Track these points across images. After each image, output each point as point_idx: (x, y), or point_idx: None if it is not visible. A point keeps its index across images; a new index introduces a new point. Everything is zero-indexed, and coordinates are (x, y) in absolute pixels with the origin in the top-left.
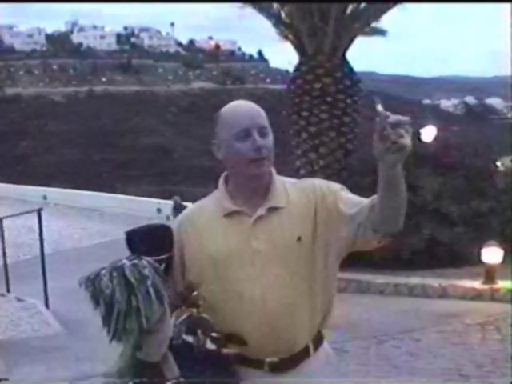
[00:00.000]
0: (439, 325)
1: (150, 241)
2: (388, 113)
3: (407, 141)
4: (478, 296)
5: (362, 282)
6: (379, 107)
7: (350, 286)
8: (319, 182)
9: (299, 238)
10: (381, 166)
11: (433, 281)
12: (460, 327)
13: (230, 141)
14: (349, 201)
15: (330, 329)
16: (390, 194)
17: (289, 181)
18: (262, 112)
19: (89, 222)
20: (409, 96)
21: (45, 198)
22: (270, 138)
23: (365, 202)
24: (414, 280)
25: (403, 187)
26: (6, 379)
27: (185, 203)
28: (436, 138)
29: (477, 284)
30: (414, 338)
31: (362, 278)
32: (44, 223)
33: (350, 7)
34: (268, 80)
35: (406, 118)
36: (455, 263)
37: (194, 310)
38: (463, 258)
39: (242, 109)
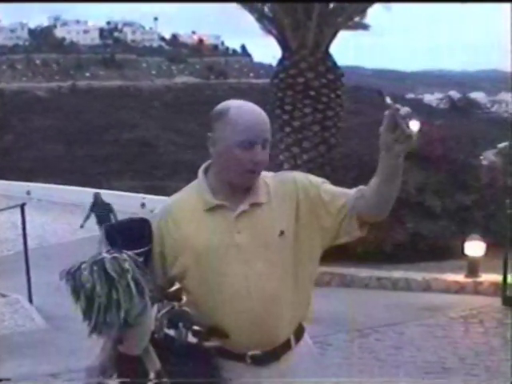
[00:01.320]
0: (422, 318)
1: (128, 234)
2: (398, 105)
3: (414, 130)
4: (461, 289)
5: (345, 275)
6: (388, 100)
7: (333, 279)
8: (300, 176)
9: (282, 233)
10: (385, 156)
11: (416, 274)
12: (443, 320)
13: (232, 145)
14: (333, 192)
15: (313, 322)
16: (389, 182)
17: (269, 175)
18: (268, 121)
19: (72, 218)
20: (392, 90)
21: (28, 193)
22: (268, 151)
23: (350, 192)
24: (398, 274)
25: (400, 176)
26: (9, 379)
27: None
28: (419, 132)
29: (460, 277)
30: (398, 332)
31: (345, 272)
32: (28, 218)
33: (333, 1)
34: (251, 74)
35: (409, 111)
36: (438, 257)
37: (176, 304)
38: (446, 252)
39: (252, 117)
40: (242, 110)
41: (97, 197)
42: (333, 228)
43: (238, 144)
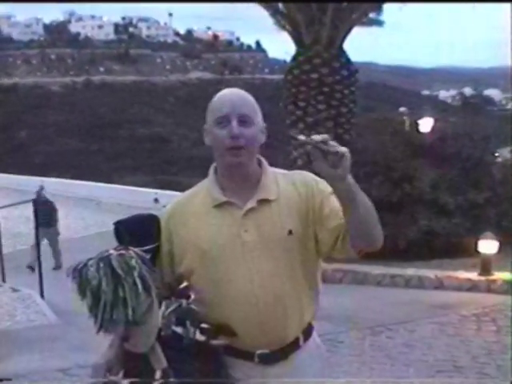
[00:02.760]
0: (435, 316)
1: (135, 231)
2: (312, 136)
3: (343, 147)
4: (473, 287)
5: (358, 273)
6: (301, 137)
7: (346, 277)
8: (311, 178)
9: (290, 232)
10: (334, 185)
11: (429, 272)
12: (456, 318)
13: (212, 127)
14: (334, 208)
15: (325, 319)
16: (353, 209)
17: (280, 172)
18: (249, 101)
19: (86, 213)
20: (408, 87)
21: (42, 188)
22: (253, 129)
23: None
24: (410, 271)
25: (365, 200)
26: (10, 379)
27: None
28: (433, 129)
29: (473, 275)
30: (410, 329)
31: (358, 269)
32: None
33: None
34: (266, 70)
35: (325, 135)
36: (451, 254)
37: (184, 301)
38: (459, 249)
39: (225, 96)
40: (220, 93)
41: (39, 193)
42: (328, 243)
43: (215, 123)
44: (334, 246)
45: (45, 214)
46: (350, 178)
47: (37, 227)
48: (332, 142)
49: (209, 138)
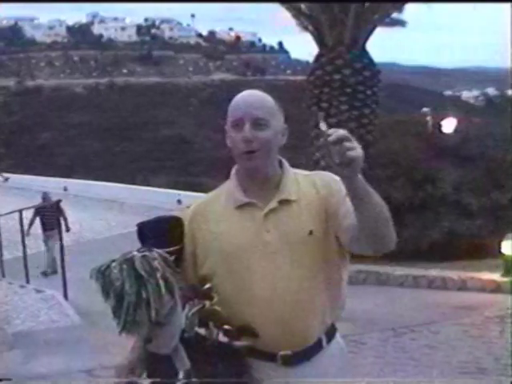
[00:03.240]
0: (458, 317)
1: (159, 232)
2: (330, 131)
3: (355, 153)
4: (497, 288)
5: (381, 274)
6: (322, 126)
7: (369, 277)
8: (330, 178)
9: (311, 232)
10: (343, 182)
11: (452, 273)
12: (479, 320)
13: (229, 129)
14: (350, 208)
15: (348, 321)
16: (362, 209)
17: (301, 173)
18: (265, 103)
19: (109, 214)
20: (430, 87)
21: (65, 189)
22: (268, 132)
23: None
24: (434, 272)
25: (375, 200)
26: (10, 379)
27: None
28: (456, 130)
29: (496, 276)
30: (433, 331)
31: (381, 270)
32: None
33: None
34: (288, 71)
35: (344, 133)
36: (475, 255)
37: (207, 303)
38: (483, 251)
39: (241, 98)
40: (238, 96)
41: (45, 198)
42: (344, 242)
43: (231, 126)
44: (350, 245)
45: (48, 218)
46: (358, 181)
47: (60, 230)
48: (347, 144)
49: (228, 140)
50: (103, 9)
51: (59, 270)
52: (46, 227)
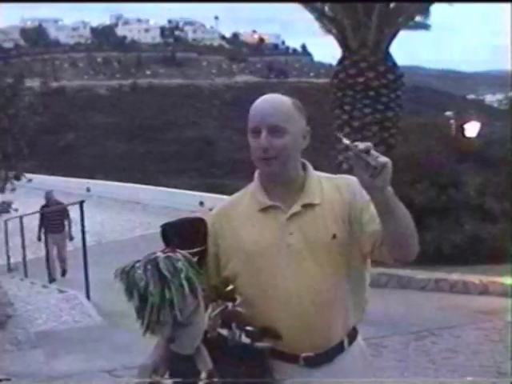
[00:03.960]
0: (479, 322)
1: (183, 234)
2: (356, 143)
3: (384, 158)
4: None
5: (402, 277)
6: (345, 141)
7: (390, 281)
8: (355, 183)
9: (334, 236)
10: (373, 194)
11: (474, 277)
12: (500, 324)
13: (249, 135)
14: (373, 214)
15: (369, 324)
16: (391, 221)
17: (325, 176)
18: (282, 109)
19: (131, 215)
20: (454, 91)
21: (88, 190)
22: (285, 138)
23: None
24: (455, 276)
25: (403, 212)
26: (9, 379)
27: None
28: (479, 134)
29: None
30: (454, 335)
31: (402, 274)
32: (87, 215)
33: (394, 1)
34: (312, 74)
35: (369, 143)
36: (497, 260)
37: (230, 304)
38: (505, 255)
39: (258, 105)
40: (257, 101)
41: (48, 198)
42: (366, 247)
43: (249, 132)
44: (371, 251)
45: (53, 220)
46: (388, 191)
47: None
48: (374, 153)
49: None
50: (127, 10)
51: (79, 270)
52: (51, 229)
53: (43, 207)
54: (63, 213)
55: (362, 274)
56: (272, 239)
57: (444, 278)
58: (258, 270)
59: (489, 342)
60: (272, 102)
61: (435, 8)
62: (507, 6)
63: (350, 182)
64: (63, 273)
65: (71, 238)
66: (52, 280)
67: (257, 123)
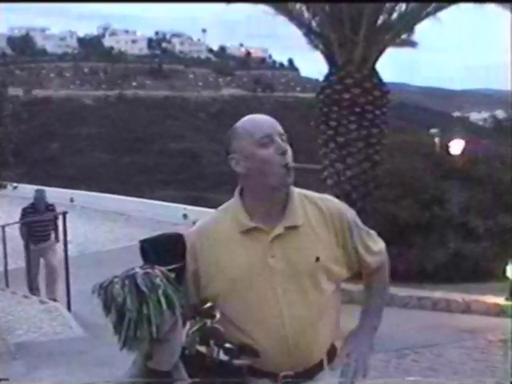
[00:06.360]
0: (461, 340)
1: (160, 250)
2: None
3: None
4: (501, 312)
5: None
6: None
7: None
8: (349, 217)
9: (317, 259)
10: None
11: (456, 295)
12: (482, 343)
13: (253, 149)
14: (367, 247)
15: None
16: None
17: (306, 194)
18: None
19: (115, 226)
20: (439, 108)
21: (72, 200)
22: (289, 148)
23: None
24: (438, 294)
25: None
26: (7, 379)
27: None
28: (464, 151)
29: (500, 300)
30: (436, 353)
31: None
32: (70, 226)
33: (381, 18)
34: (298, 89)
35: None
36: (479, 278)
37: (208, 321)
38: (488, 274)
39: (259, 118)
40: (248, 118)
41: (38, 198)
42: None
43: (259, 144)
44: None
45: (39, 227)
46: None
47: (65, 242)
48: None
49: (248, 163)
50: (114, 21)
51: (63, 281)
52: (37, 238)
53: (26, 209)
54: (53, 219)
55: (339, 294)
56: (254, 261)
57: (427, 296)
58: (240, 291)
59: (471, 361)
60: (265, 116)
61: (421, 26)
62: (494, 25)
63: (342, 212)
64: (51, 290)
65: (58, 240)
66: (36, 291)
67: (268, 132)
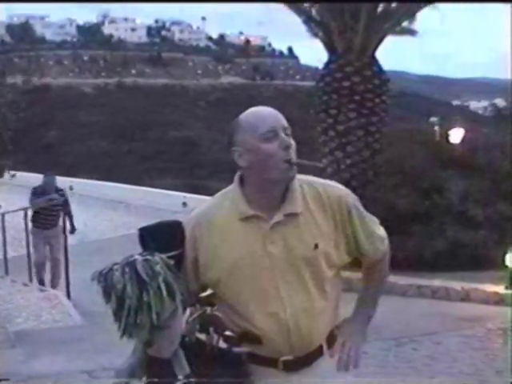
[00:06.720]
0: (460, 329)
1: (159, 237)
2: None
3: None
4: (500, 301)
5: None
6: None
7: None
8: (349, 202)
9: (316, 246)
10: None
11: (456, 284)
12: (481, 332)
13: (257, 143)
14: (371, 232)
15: None
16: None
17: (306, 181)
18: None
19: (114, 214)
20: (439, 97)
21: (71, 188)
22: (293, 142)
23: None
24: (437, 282)
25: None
26: (7, 379)
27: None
28: (464, 140)
29: (500, 288)
30: (435, 341)
31: None
32: None
33: (381, 6)
34: (297, 77)
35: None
36: (479, 267)
37: (208, 308)
38: (487, 262)
39: (264, 111)
40: (252, 110)
41: (47, 182)
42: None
43: (263, 138)
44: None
45: (47, 210)
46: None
47: (64, 230)
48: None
49: (251, 157)
50: (114, 9)
51: (62, 269)
52: (43, 224)
53: (36, 188)
54: (63, 204)
55: (339, 280)
56: (253, 248)
57: (426, 285)
58: (239, 279)
59: (470, 350)
60: (270, 109)
61: (422, 14)
62: (494, 12)
63: (342, 199)
64: (54, 284)
65: (73, 230)
66: (41, 282)
67: (273, 125)
